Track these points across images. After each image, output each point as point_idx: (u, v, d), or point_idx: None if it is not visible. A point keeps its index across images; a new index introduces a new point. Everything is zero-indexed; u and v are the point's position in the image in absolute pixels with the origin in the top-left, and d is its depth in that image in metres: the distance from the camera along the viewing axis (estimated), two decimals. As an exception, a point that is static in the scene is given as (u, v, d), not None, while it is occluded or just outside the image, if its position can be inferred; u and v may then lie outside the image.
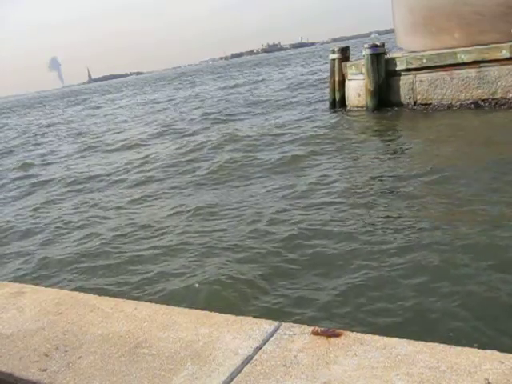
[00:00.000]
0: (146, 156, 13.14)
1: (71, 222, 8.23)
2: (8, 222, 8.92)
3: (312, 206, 7.21)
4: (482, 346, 1.43)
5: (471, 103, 12.32)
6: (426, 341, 1.41)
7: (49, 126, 29.52)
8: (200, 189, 9.15)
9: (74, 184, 11.16)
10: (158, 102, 31.34)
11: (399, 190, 7.36)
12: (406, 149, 9.85)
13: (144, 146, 15.27)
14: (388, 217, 6.37)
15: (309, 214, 6.87)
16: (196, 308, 1.91)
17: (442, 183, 7.24)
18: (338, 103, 15.56)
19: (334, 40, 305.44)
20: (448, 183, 7.21)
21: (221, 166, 10.26)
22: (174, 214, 7.70)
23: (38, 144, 20.80)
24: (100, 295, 2.10)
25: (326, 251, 5.54)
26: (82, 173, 12.30)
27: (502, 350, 1.31)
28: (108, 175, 11.48)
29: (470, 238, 5.18)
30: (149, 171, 11.22)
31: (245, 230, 6.57)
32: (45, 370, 1.57)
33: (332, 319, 4.18)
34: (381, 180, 7.98)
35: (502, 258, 4.69)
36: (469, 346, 1.39)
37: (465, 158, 8.53)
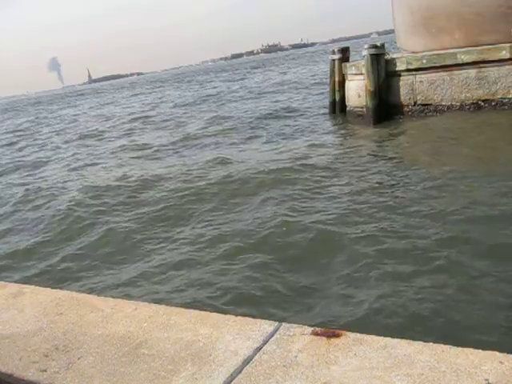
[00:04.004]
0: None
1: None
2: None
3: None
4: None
5: (471, 104, 12.32)
6: (426, 341, 1.41)
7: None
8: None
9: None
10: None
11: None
12: (408, 158, 9.56)
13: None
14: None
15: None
16: (195, 308, 1.91)
17: (445, 191, 7.15)
18: (338, 103, 15.55)
19: (334, 40, 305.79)
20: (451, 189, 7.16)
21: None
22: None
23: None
24: (100, 295, 2.10)
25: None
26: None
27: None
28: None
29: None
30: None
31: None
32: (45, 371, 1.57)
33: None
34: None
35: None
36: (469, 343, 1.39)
37: (469, 163, 8.41)
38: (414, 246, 5.41)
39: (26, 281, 5.88)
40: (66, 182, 12.12)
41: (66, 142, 20.55)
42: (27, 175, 14.10)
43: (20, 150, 20.59)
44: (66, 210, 9.13)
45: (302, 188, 8.39)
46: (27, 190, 11.66)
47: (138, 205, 8.95)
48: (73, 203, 9.53)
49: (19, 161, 17.20)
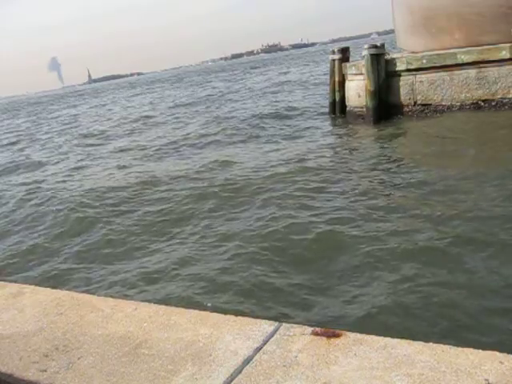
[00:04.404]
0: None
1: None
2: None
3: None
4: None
5: (471, 104, 12.32)
6: (426, 341, 1.41)
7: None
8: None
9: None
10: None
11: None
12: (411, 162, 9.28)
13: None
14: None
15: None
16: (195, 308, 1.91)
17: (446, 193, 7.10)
18: (338, 104, 15.54)
19: (334, 41, 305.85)
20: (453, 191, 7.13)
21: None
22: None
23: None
24: (100, 295, 2.10)
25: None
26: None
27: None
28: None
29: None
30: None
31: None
32: (45, 371, 1.57)
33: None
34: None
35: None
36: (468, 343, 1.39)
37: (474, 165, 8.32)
38: (416, 246, 5.41)
39: (27, 281, 5.88)
40: (66, 182, 12.10)
41: (67, 142, 20.53)
42: (27, 176, 14.08)
43: (20, 150, 20.57)
44: (67, 211, 9.13)
45: (303, 189, 8.35)
46: (27, 190, 11.66)
47: (139, 206, 8.93)
48: (74, 204, 9.52)
49: (19, 161, 17.18)
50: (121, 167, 12.99)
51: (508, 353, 1.30)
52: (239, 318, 1.72)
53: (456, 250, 5.15)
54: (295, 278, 5.19)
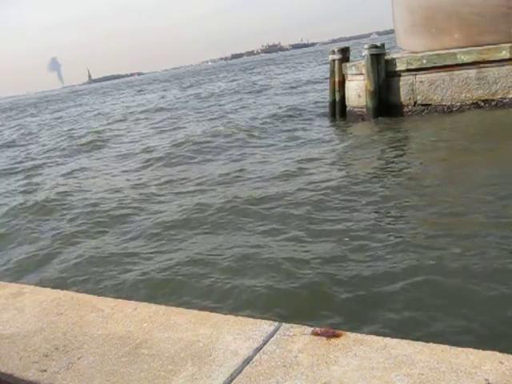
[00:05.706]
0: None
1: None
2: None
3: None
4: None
5: (471, 104, 12.33)
6: (426, 341, 1.41)
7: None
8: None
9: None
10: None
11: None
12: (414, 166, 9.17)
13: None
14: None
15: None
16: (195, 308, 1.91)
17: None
18: (338, 104, 15.54)
19: (334, 41, 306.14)
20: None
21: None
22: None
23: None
24: (100, 295, 2.10)
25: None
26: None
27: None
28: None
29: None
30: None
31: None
32: (45, 371, 1.57)
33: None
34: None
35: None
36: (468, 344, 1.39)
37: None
38: (421, 247, 5.41)
39: (27, 281, 5.88)
40: (67, 184, 12.07)
41: (67, 143, 20.49)
42: (28, 177, 14.04)
43: (20, 151, 20.56)
44: (68, 213, 9.13)
45: (309, 196, 8.15)
46: (27, 191, 11.65)
47: (140, 209, 8.88)
48: (75, 205, 9.53)
49: (20, 162, 17.17)
50: (122, 170, 12.95)
51: (508, 353, 1.30)
52: (239, 318, 1.72)
53: (464, 251, 5.14)
54: (300, 281, 5.18)
